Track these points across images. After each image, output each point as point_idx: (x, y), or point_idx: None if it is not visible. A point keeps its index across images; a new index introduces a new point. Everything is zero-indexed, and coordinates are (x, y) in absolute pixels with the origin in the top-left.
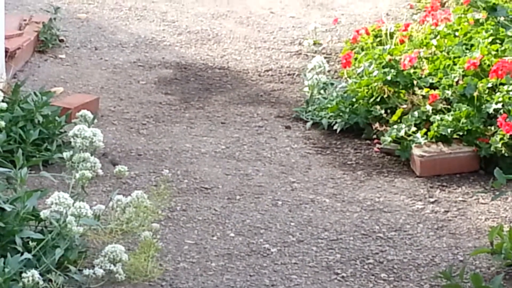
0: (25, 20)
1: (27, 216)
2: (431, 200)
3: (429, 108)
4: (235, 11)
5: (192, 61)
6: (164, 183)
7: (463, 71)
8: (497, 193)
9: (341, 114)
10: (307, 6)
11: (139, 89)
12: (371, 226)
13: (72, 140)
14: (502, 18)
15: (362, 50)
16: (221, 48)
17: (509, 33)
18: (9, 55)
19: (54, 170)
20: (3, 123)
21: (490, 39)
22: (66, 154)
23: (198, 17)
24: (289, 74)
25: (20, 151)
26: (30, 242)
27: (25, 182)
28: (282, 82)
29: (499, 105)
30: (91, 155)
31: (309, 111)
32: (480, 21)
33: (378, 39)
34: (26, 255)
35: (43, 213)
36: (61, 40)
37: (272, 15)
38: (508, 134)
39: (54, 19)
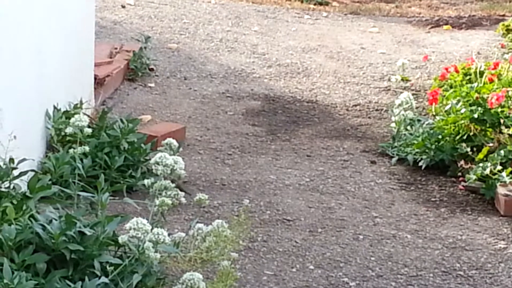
0: (116, 48)
1: (106, 241)
2: None
3: None
4: (326, 45)
5: (281, 93)
6: (245, 212)
7: None
8: None
9: (427, 150)
10: (398, 43)
11: (227, 120)
12: (451, 264)
13: (153, 167)
14: None
15: (451, 87)
16: (310, 81)
17: None
18: (98, 82)
19: (138, 197)
20: (87, 148)
21: None
22: (147, 181)
23: (289, 51)
24: (377, 110)
25: (102, 176)
26: (108, 267)
27: (106, 207)
28: (369, 117)
29: None
30: (173, 183)
31: (395, 146)
32: None
33: (468, 77)
34: (104, 279)
35: (121, 238)
36: (151, 69)
37: (362, 50)
38: None
39: (145, 48)
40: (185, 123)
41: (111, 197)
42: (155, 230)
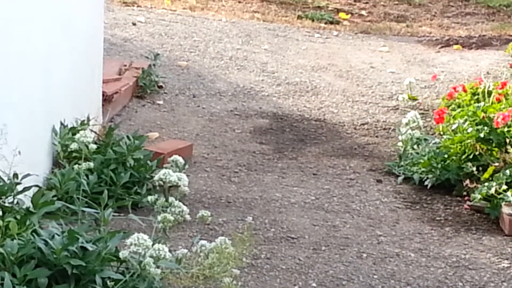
0: (125, 65)
1: (108, 256)
2: None
3: None
4: (336, 64)
5: (289, 112)
6: (248, 230)
7: None
8: None
9: (432, 169)
10: (407, 62)
11: (234, 138)
12: (454, 283)
13: (157, 183)
14: None
15: (459, 107)
16: (318, 100)
17: None
18: (106, 99)
19: (143, 213)
20: (92, 164)
21: None
22: (151, 198)
23: (298, 69)
24: (384, 129)
25: (106, 192)
26: (109, 282)
27: (109, 223)
28: (377, 136)
29: None
30: (176, 199)
31: (401, 165)
32: None
33: (476, 97)
34: None
35: (122, 254)
36: (160, 87)
37: (372, 69)
38: None
39: (154, 65)
40: (193, 140)
41: (117, 214)
42: (156, 245)
